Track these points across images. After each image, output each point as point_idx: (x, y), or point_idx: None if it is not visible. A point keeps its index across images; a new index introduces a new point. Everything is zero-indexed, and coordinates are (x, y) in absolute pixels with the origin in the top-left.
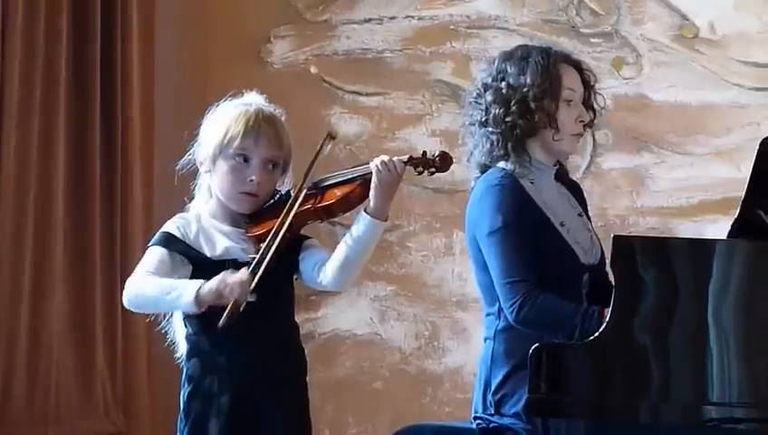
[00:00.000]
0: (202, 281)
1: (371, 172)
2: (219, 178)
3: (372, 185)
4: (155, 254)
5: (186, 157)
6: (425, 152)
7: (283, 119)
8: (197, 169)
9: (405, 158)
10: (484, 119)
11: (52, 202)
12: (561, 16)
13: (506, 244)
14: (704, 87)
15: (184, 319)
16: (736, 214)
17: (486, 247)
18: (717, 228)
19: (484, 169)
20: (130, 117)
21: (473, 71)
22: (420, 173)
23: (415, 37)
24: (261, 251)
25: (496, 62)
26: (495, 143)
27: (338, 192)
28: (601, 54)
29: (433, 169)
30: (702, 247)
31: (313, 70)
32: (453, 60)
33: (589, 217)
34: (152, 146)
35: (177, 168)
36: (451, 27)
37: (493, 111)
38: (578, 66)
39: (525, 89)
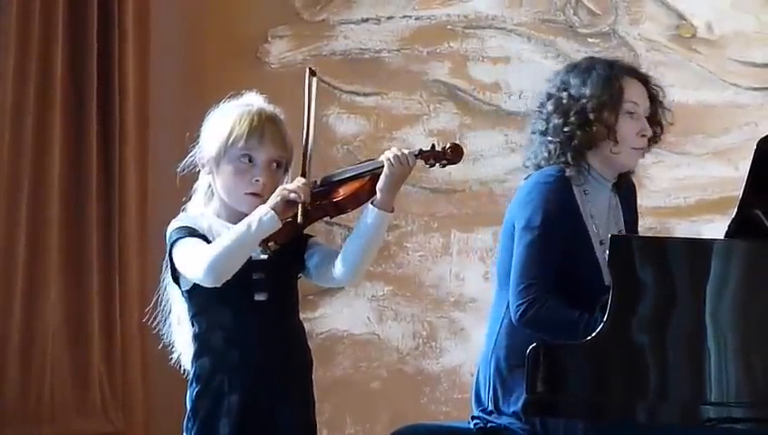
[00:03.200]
0: (263, 206)
1: (380, 167)
2: (223, 180)
3: (382, 177)
4: (191, 241)
5: (187, 159)
6: (434, 145)
7: (283, 118)
8: (195, 170)
9: (416, 151)
10: (544, 128)
11: (46, 200)
12: (559, 16)
13: (535, 244)
14: (701, 87)
15: (192, 317)
16: (734, 213)
17: (517, 238)
18: (715, 228)
19: (538, 168)
20: (126, 115)
21: (470, 71)
22: (432, 166)
23: (412, 37)
24: (302, 159)
25: (561, 72)
26: (553, 152)
27: (347, 188)
28: (599, 54)
29: (445, 162)
30: (700, 247)
31: None
32: (450, 60)
33: (636, 223)
34: (147, 146)
35: (179, 169)
36: (448, 27)
37: (552, 121)
38: (645, 80)
39: (585, 100)
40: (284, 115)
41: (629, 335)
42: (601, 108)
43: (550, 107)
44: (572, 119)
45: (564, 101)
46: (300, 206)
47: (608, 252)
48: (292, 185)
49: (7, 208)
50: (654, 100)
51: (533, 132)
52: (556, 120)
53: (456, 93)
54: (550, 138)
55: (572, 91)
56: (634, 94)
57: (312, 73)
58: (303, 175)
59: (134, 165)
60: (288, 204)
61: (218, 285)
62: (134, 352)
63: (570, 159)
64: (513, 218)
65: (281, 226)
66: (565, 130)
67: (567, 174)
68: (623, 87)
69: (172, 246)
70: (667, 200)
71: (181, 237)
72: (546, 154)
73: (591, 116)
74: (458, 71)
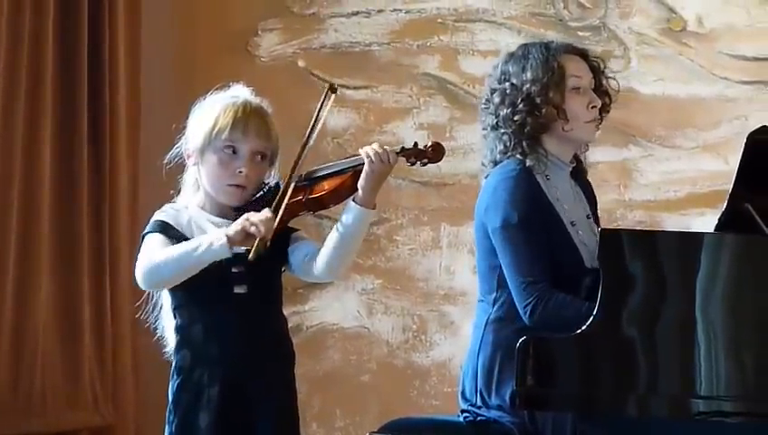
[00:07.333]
0: (223, 229)
1: (362, 164)
2: (207, 171)
3: (363, 174)
4: (155, 239)
5: (173, 150)
6: (416, 143)
7: (269, 111)
8: (184, 162)
9: (397, 148)
10: (494, 122)
11: (37, 194)
12: (549, 9)
13: (521, 241)
14: (691, 80)
15: (174, 309)
16: (724, 207)
17: (499, 241)
18: (705, 221)
19: (496, 164)
20: (117, 109)
21: (460, 64)
22: (413, 164)
23: (402, 30)
24: (278, 195)
25: (499, 65)
26: (508, 143)
27: (329, 184)
28: (589, 48)
29: (425, 160)
30: (690, 240)
31: (301, 63)
32: (440, 53)
33: (597, 219)
34: (137, 138)
35: (165, 161)
36: (438, 20)
37: (501, 113)
38: (583, 54)
39: (528, 85)
40: (273, 108)
41: (619, 329)
42: (546, 89)
43: (496, 100)
44: (520, 106)
45: (508, 91)
46: (258, 240)
47: (597, 243)
48: (257, 217)
49: None
50: (596, 71)
51: (484, 129)
52: (504, 111)
53: (446, 87)
54: (502, 130)
55: (514, 80)
56: (575, 69)
57: (333, 90)
58: (291, 175)
59: (125, 160)
60: (247, 236)
61: (155, 291)
62: (125, 346)
63: (526, 147)
64: (484, 220)
65: (230, 255)
66: (515, 118)
67: (527, 164)
68: (562, 64)
69: (142, 238)
70: (657, 194)
71: (149, 232)
72: (502, 147)
73: (538, 99)
74: (448, 64)
